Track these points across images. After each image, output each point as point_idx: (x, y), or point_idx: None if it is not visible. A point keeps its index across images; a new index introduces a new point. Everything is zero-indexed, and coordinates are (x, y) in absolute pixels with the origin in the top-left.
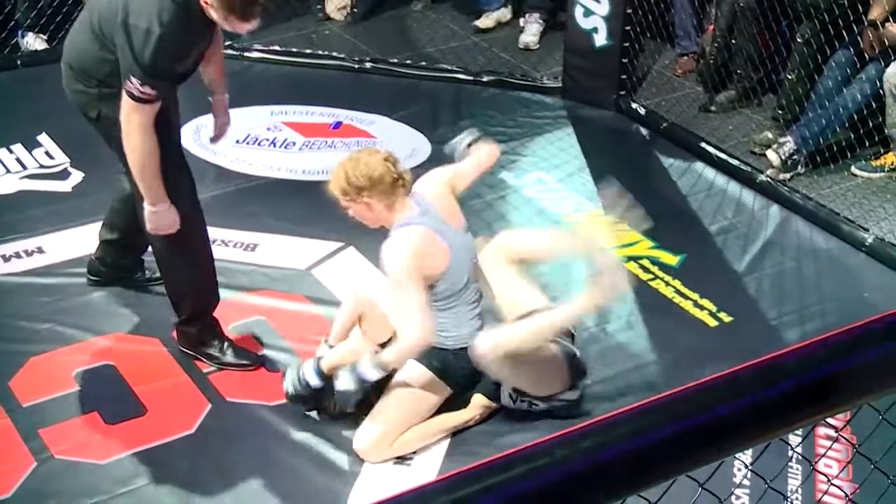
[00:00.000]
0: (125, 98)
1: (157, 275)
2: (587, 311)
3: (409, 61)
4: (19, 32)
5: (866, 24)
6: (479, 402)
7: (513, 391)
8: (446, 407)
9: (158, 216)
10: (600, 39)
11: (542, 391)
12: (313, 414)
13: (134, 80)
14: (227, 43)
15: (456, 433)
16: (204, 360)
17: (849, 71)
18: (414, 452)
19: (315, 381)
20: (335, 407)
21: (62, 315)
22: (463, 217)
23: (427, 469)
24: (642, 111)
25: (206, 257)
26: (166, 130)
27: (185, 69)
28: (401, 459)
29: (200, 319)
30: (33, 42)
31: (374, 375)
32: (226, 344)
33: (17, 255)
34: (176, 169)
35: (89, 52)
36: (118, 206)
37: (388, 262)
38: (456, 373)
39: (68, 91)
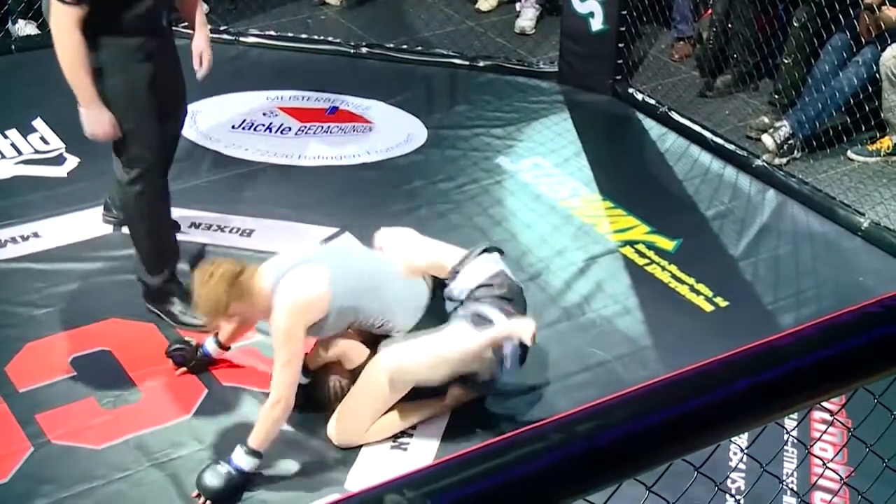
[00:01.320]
0: (52, 1)
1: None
2: (502, 338)
3: (405, 46)
4: (10, 20)
5: (862, 7)
6: (456, 391)
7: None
8: (427, 394)
9: (90, 118)
10: (596, 24)
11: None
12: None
13: None
14: (221, 28)
15: (453, 418)
16: (163, 316)
17: (845, 55)
18: (410, 436)
19: (302, 380)
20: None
21: (58, 301)
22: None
23: (423, 453)
24: (639, 96)
25: (163, 212)
26: (145, 79)
27: None
28: (397, 444)
29: (160, 274)
30: (24, 28)
31: (248, 464)
32: (186, 304)
33: (13, 241)
34: (149, 118)
35: None
36: None
37: (273, 326)
38: None
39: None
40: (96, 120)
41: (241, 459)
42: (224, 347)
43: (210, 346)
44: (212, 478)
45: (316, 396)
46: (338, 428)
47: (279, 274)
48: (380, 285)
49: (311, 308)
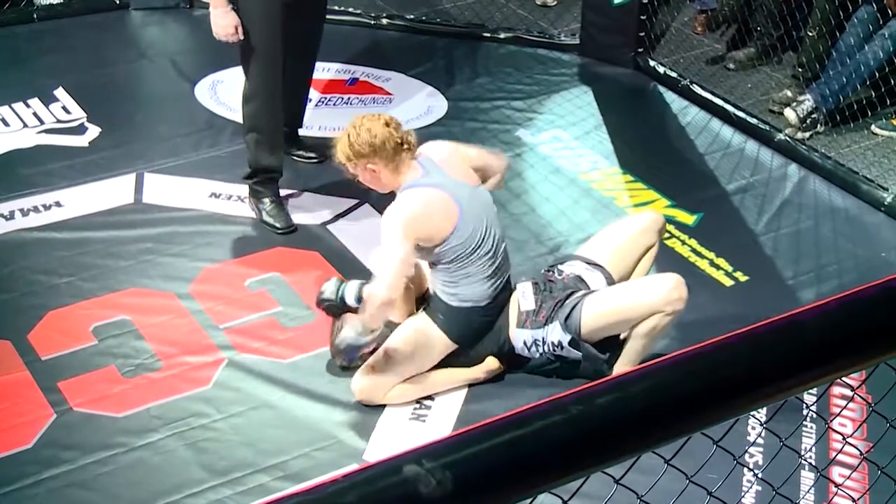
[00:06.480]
0: None
1: (311, 154)
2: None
3: (425, 17)
4: None
5: None
6: (488, 364)
7: (528, 338)
8: (455, 363)
9: (216, 18)
10: None
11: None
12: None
13: None
14: None
15: (472, 389)
16: (251, 206)
17: (871, 27)
18: (428, 408)
19: (351, 301)
20: (343, 356)
21: (80, 269)
22: (476, 176)
23: (442, 425)
24: (660, 69)
25: (271, 129)
26: (280, 10)
27: None
28: (416, 416)
29: (252, 178)
30: None
31: (350, 300)
32: (270, 205)
33: (35, 210)
34: (274, 44)
35: None
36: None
37: (385, 221)
38: (461, 329)
39: None
40: (220, 22)
41: (351, 295)
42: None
43: (350, 297)
44: (330, 290)
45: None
46: (361, 384)
47: (423, 180)
48: (487, 253)
49: (424, 227)
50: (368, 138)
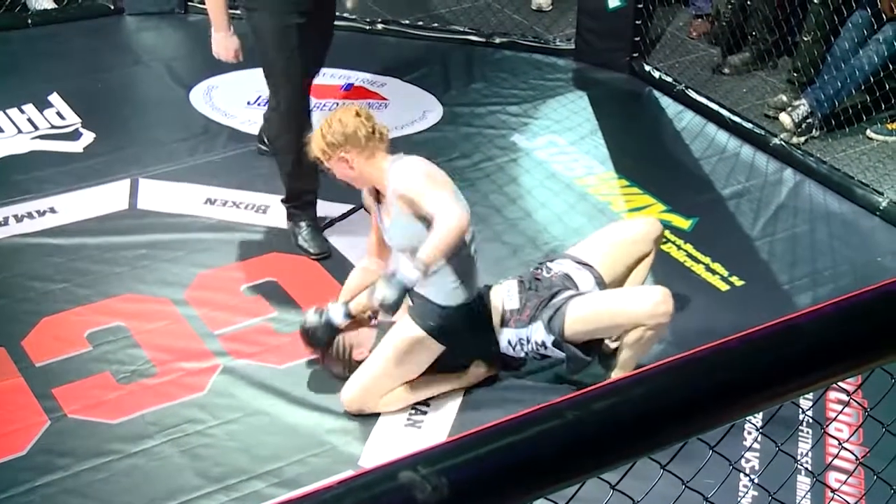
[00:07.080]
0: None
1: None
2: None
3: (420, 23)
4: None
5: None
6: (477, 369)
7: (512, 338)
8: (444, 366)
9: (217, 41)
10: (614, 0)
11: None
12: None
13: None
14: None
15: (467, 395)
16: (289, 231)
17: (865, 32)
18: (424, 414)
19: (339, 320)
20: (342, 365)
21: (74, 275)
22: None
23: (438, 431)
24: (656, 74)
25: (300, 147)
26: (295, 28)
27: None
28: (411, 422)
29: (289, 203)
30: (41, 2)
31: (415, 276)
32: (306, 230)
33: (30, 216)
34: (290, 62)
35: None
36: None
37: (408, 177)
38: (449, 331)
39: None
40: (221, 43)
41: (409, 272)
42: (351, 317)
43: (336, 315)
44: (385, 289)
45: (330, 357)
46: (351, 393)
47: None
48: (471, 243)
49: (441, 174)
50: (340, 128)
